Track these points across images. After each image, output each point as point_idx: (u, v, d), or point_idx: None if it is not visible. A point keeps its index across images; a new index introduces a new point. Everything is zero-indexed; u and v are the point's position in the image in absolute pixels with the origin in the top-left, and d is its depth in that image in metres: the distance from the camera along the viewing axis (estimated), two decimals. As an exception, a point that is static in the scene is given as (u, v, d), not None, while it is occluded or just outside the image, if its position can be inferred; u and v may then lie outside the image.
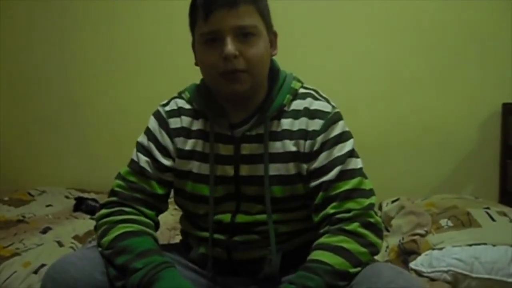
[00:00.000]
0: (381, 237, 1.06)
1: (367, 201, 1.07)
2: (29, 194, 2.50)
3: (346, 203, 1.06)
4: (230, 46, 1.03)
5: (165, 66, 2.61)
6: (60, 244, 1.79)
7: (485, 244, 1.59)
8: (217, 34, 1.04)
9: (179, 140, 1.16)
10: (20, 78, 2.83)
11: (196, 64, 1.13)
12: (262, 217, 1.13)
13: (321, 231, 1.07)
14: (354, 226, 1.03)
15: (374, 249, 1.04)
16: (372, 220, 1.05)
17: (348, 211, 1.05)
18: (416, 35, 2.44)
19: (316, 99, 1.14)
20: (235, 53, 1.03)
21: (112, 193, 1.16)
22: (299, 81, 1.17)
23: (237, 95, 1.09)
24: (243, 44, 1.04)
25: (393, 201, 2.13)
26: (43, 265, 1.59)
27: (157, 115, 1.19)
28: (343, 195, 1.06)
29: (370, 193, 1.09)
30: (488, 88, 2.41)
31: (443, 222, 1.77)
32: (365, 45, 2.48)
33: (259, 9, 1.07)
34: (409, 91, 2.46)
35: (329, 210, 1.06)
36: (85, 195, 2.47)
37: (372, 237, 1.04)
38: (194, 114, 1.17)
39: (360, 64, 2.49)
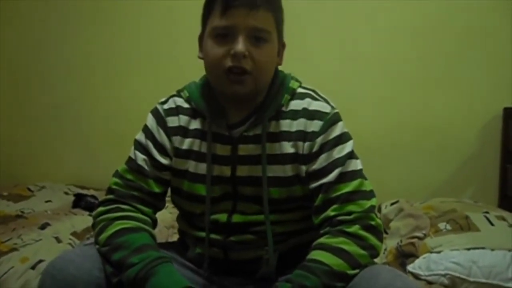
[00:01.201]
0: (381, 240, 1.06)
1: (368, 203, 1.06)
2: (29, 189, 2.50)
3: (347, 205, 1.05)
4: (241, 45, 1.03)
5: (165, 65, 2.60)
6: (58, 240, 1.79)
7: (483, 248, 1.59)
8: (231, 30, 1.04)
9: (176, 139, 1.16)
10: (20, 75, 2.83)
11: (200, 57, 1.12)
12: (258, 217, 1.12)
13: (322, 232, 1.06)
14: (355, 228, 1.03)
15: (374, 252, 1.04)
16: (373, 222, 1.05)
17: (349, 213, 1.04)
18: (417, 38, 2.42)
19: (315, 99, 1.13)
20: (245, 52, 1.03)
21: (109, 190, 1.15)
22: (297, 80, 1.17)
23: (238, 96, 1.09)
24: (253, 46, 1.04)
25: (392, 204, 2.13)
26: (40, 261, 1.59)
27: (155, 113, 1.19)
28: (344, 197, 1.06)
29: (370, 194, 1.09)
30: (489, 92, 2.39)
31: (442, 225, 1.76)
32: (365, 47, 2.47)
33: (276, 18, 1.08)
34: (409, 93, 2.46)
35: (330, 212, 1.06)
36: (84, 192, 2.46)
37: (372, 239, 1.04)
38: (192, 113, 1.16)
39: (360, 66, 2.48)
